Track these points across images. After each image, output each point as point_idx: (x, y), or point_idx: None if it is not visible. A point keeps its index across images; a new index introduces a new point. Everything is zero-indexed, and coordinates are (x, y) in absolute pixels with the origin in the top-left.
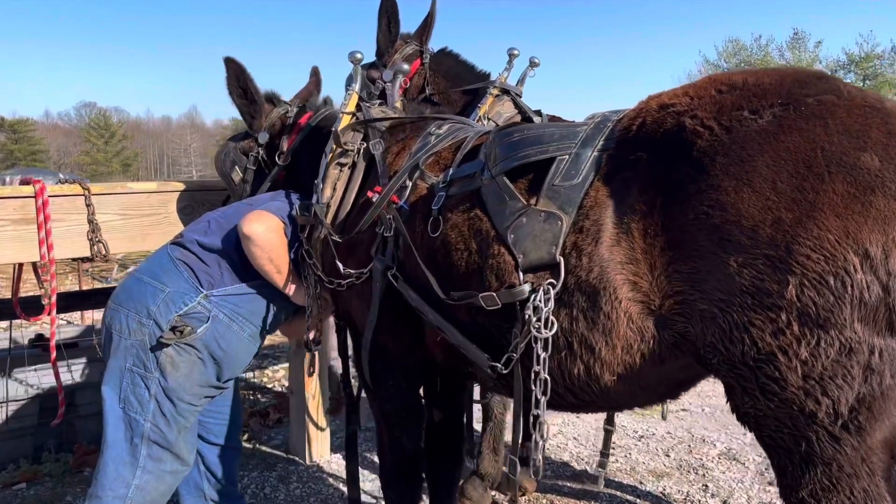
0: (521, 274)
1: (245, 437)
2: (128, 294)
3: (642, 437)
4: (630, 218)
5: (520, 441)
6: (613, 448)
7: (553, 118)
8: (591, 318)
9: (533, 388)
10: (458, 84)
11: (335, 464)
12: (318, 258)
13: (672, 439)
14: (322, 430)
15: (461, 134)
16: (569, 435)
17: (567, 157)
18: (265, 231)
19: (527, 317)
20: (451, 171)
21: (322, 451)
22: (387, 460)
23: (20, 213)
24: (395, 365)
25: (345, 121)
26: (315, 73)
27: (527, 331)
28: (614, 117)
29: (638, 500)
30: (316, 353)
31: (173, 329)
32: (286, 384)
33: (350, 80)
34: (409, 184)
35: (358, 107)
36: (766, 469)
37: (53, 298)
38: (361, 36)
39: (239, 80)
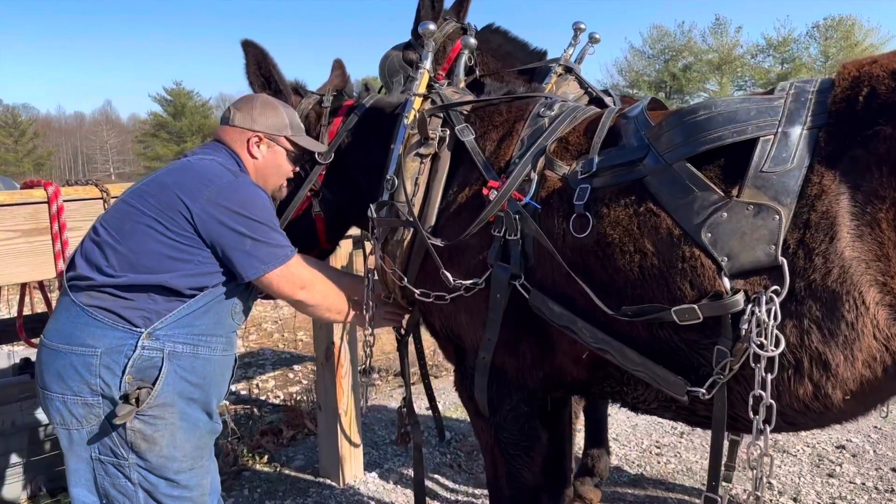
0: (726, 280)
1: (265, 459)
2: (52, 374)
3: (683, 433)
4: (874, 206)
5: (720, 475)
6: (660, 448)
7: (625, 99)
8: (827, 328)
9: (752, 416)
10: (511, 64)
11: (372, 484)
12: (398, 266)
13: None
14: (356, 447)
15: (581, 114)
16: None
17: (772, 137)
18: (310, 286)
19: (743, 332)
20: (595, 159)
21: (356, 472)
22: (504, 496)
23: (32, 223)
24: (512, 386)
25: (417, 104)
26: (339, 66)
27: (743, 348)
28: (811, 87)
29: None
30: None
31: (126, 399)
32: (280, 395)
33: (416, 60)
34: (534, 176)
35: (429, 88)
36: (819, 461)
37: None
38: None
39: (261, 68)
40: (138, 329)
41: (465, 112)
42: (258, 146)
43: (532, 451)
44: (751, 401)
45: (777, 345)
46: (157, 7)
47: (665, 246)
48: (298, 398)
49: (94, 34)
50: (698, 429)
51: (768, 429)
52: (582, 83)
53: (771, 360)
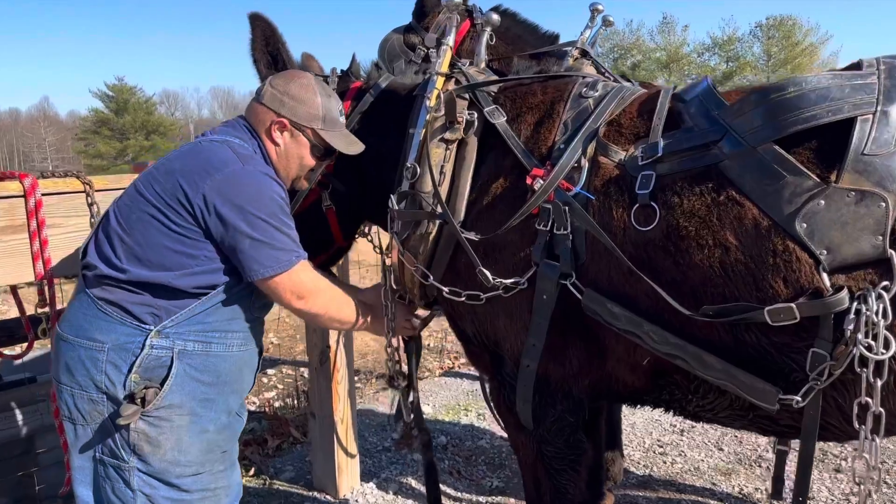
0: (825, 276)
1: (251, 471)
2: (62, 366)
3: (683, 430)
4: None
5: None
6: (663, 447)
7: (644, 85)
8: None
9: (858, 425)
10: (521, 48)
11: (371, 495)
12: (422, 263)
13: (714, 430)
14: (352, 457)
15: (629, 95)
16: None
17: (871, 116)
18: (312, 298)
19: (846, 333)
20: (660, 143)
21: (353, 483)
22: None
23: (6, 219)
24: (556, 396)
25: (440, 84)
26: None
27: (847, 351)
28: None
29: None
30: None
31: (131, 399)
32: (255, 400)
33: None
34: (585, 163)
35: (451, 66)
36: (823, 455)
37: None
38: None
39: (268, 44)
40: (147, 326)
41: (493, 93)
42: (280, 132)
43: (578, 464)
44: (856, 409)
45: (888, 347)
46: (97, 0)
47: (751, 238)
48: (278, 405)
49: (29, 28)
50: (698, 426)
51: (878, 440)
52: (599, 68)
53: (879, 363)
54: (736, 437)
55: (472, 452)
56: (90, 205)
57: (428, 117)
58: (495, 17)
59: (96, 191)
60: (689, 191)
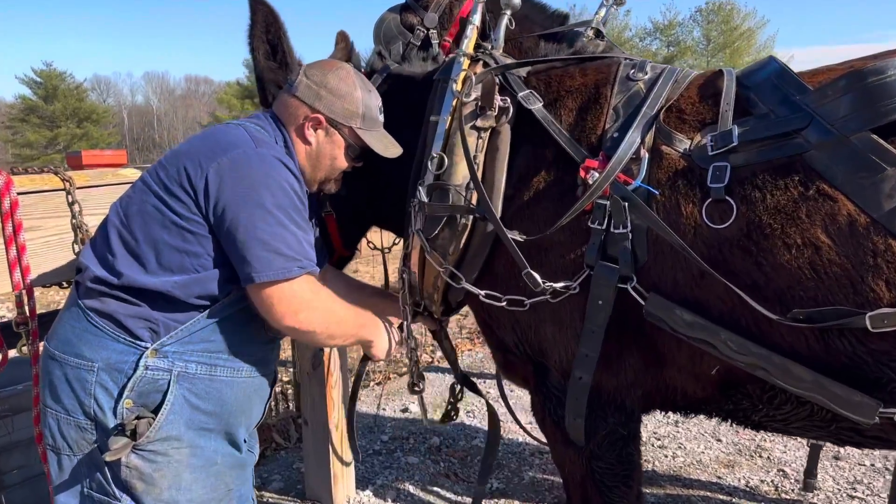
0: None
1: None
2: (48, 387)
3: (678, 421)
4: None
5: None
6: (661, 439)
7: None
8: None
9: None
10: (529, 28)
11: None
12: (449, 262)
13: (708, 420)
14: (347, 465)
15: (683, 77)
16: None
17: None
18: (307, 315)
19: None
20: (734, 131)
21: (349, 491)
22: None
23: None
24: (608, 408)
25: (466, 65)
26: (343, 39)
27: None
28: None
29: (734, 500)
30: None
31: (122, 430)
32: None
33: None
34: (645, 153)
35: (477, 48)
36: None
37: (36, 347)
38: None
39: (269, 33)
40: (142, 344)
41: (521, 76)
42: (314, 129)
43: (631, 479)
44: None
45: None
46: None
47: (847, 237)
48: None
49: None
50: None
51: None
52: (613, 50)
53: None
54: (732, 426)
55: (468, 453)
56: (71, 204)
57: (454, 103)
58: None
59: (78, 188)
60: (772, 184)
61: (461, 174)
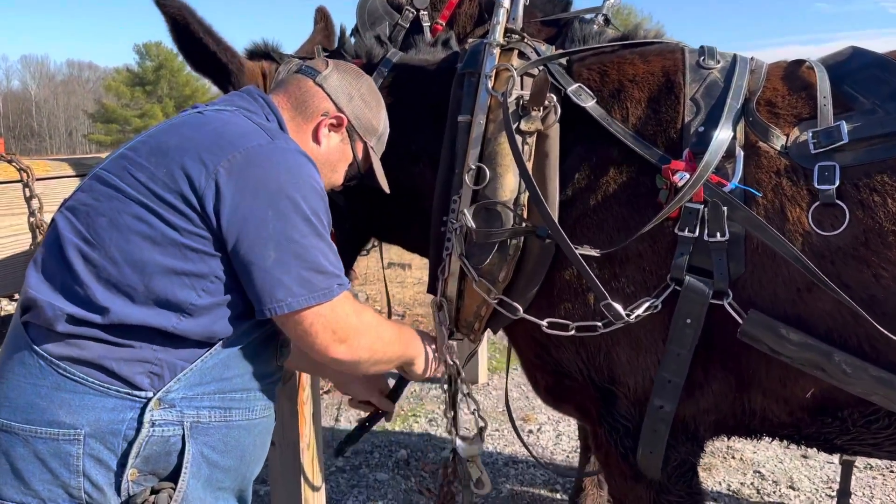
0: None
1: None
2: (10, 473)
3: None
4: None
5: None
6: None
7: None
8: None
9: None
10: (531, 13)
11: None
12: (498, 290)
13: None
14: (317, 489)
15: (758, 66)
16: (564, 431)
17: None
18: (356, 341)
19: None
20: (843, 127)
21: None
22: None
23: None
24: (680, 437)
25: (498, 56)
26: (323, 17)
27: None
28: None
29: None
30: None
31: None
32: None
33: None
34: (740, 151)
35: (507, 35)
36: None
37: None
38: None
39: (191, 33)
40: (141, 394)
41: (563, 65)
42: (333, 131)
43: None
44: None
45: None
46: None
47: None
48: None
49: None
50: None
51: None
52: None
53: None
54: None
55: (439, 466)
56: (28, 199)
57: (488, 101)
58: None
59: (37, 179)
60: (892, 187)
61: (508, 188)
